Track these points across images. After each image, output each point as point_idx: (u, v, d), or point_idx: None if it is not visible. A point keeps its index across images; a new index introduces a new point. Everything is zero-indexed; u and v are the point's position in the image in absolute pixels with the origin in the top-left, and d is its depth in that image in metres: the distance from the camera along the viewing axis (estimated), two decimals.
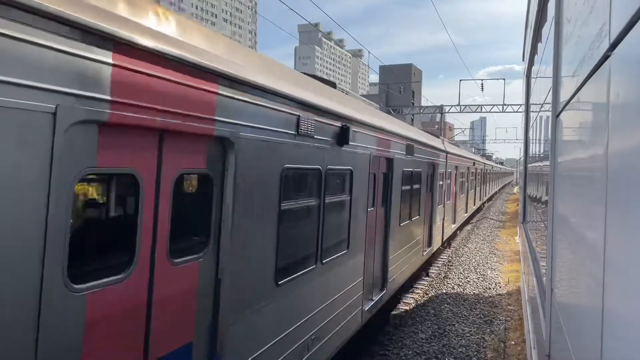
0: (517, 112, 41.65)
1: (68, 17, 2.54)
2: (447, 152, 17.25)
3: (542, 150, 5.68)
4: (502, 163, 56.83)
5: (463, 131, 65.92)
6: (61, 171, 2.57)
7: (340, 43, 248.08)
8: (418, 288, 14.71)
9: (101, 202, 3.28)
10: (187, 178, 3.97)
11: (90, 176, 2.97)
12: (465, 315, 12.41)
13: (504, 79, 45.07)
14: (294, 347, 5.45)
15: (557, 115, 3.44)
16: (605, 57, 1.51)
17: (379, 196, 8.80)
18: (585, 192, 2.00)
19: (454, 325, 11.54)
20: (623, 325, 1.24)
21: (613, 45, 1.41)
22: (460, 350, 10.00)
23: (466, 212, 26.12)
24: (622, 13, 1.27)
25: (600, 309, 1.47)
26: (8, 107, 2.30)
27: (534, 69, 7.63)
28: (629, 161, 1.22)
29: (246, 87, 4.18)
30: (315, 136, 5.70)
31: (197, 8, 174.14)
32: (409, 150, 10.55)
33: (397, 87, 79.84)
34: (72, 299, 2.69)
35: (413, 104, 79.43)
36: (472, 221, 32.56)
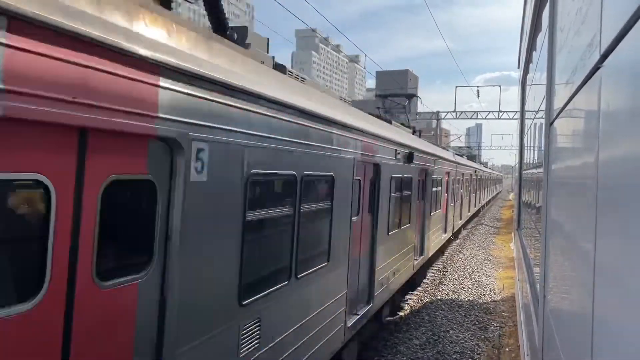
0: (512, 118, 41.84)
1: None
2: (457, 163, 23.55)
3: (536, 157, 5.71)
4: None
5: (459, 137, 66.05)
6: None
7: (337, 48, 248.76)
8: (413, 295, 14.72)
9: None
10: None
11: None
12: (459, 321, 12.42)
13: (499, 86, 45.29)
14: None
15: (551, 123, 3.47)
16: (596, 68, 1.53)
17: (422, 194, 13.96)
18: (577, 199, 2.02)
19: (448, 331, 11.54)
20: (613, 333, 1.25)
21: (604, 57, 1.43)
22: (455, 356, 10.00)
23: (469, 212, 32.64)
24: (613, 24, 1.30)
25: (591, 316, 1.48)
26: None
27: (529, 76, 7.68)
28: (619, 169, 1.24)
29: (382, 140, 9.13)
30: (398, 157, 10.33)
31: (194, 12, 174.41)
32: (435, 162, 16.05)
33: (394, 93, 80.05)
34: None
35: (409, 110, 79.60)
36: (467, 227, 32.64)
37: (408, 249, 12.27)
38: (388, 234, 9.81)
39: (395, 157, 9.99)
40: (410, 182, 11.84)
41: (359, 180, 7.92)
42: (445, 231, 19.97)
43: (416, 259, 13.65)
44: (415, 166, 12.12)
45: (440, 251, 20.31)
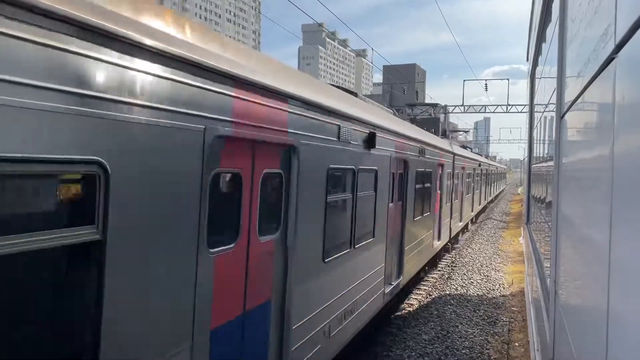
0: (521, 112, 41.50)
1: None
2: (480, 162, 29.94)
3: (546, 151, 5.66)
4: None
5: (466, 132, 65.45)
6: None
7: (343, 43, 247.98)
8: (421, 289, 14.70)
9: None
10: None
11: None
12: (468, 316, 12.38)
13: (507, 79, 44.82)
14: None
15: (562, 116, 3.42)
16: (611, 59, 1.50)
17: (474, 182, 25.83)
18: (590, 193, 1.99)
19: (457, 326, 11.51)
20: (628, 328, 1.23)
21: (619, 47, 1.40)
22: (464, 351, 9.98)
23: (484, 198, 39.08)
24: (628, 14, 1.27)
25: (605, 311, 1.46)
26: None
27: (538, 69, 7.60)
28: (635, 163, 1.21)
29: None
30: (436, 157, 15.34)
31: (200, 8, 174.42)
32: (469, 162, 22.34)
33: (401, 87, 79.78)
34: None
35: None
36: (475, 221, 32.56)
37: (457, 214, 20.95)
38: (447, 202, 17.67)
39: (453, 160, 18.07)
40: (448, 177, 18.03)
41: (438, 173, 15.10)
42: (481, 200, 29.13)
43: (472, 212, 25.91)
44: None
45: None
